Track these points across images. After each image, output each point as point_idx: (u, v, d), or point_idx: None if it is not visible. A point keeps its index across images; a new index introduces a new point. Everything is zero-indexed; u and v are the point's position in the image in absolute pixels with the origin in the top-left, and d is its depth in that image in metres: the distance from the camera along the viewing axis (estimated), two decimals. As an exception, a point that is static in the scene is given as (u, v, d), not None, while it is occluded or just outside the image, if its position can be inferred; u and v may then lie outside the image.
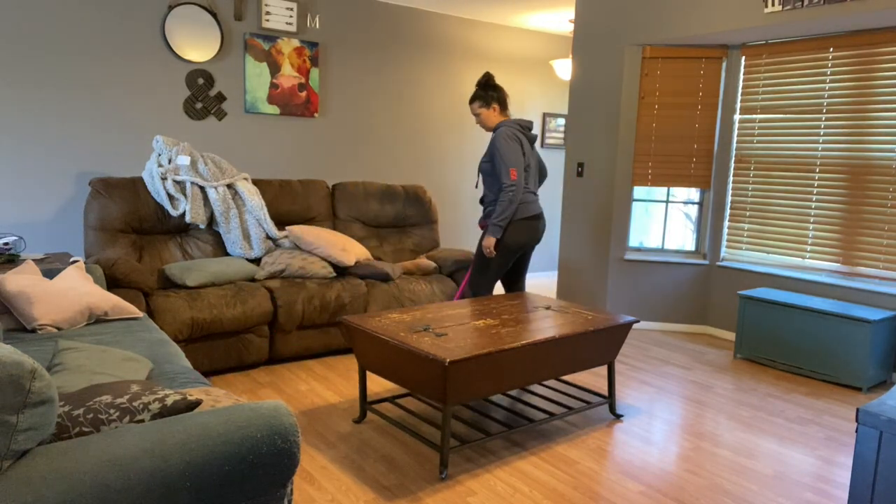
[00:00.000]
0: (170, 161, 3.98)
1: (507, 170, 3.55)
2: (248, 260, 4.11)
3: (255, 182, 4.38)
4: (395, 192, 4.88)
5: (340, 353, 4.15)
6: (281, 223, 4.46)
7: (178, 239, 4.07)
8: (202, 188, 4.04)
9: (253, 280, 3.94)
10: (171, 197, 3.95)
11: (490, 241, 3.61)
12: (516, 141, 3.62)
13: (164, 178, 3.92)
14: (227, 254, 4.14)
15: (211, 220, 4.12)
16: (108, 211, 3.81)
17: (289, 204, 4.46)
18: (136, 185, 3.93)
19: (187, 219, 3.93)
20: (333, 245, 4.16)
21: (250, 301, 3.65)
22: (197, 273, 3.68)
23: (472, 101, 3.78)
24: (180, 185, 3.98)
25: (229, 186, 4.15)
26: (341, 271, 4.22)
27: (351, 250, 4.23)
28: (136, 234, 3.93)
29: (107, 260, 3.38)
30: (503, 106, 3.77)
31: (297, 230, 4.21)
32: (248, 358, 3.71)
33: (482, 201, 3.86)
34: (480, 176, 3.89)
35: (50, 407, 1.28)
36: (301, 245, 4.16)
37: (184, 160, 3.93)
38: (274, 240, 4.26)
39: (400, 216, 4.89)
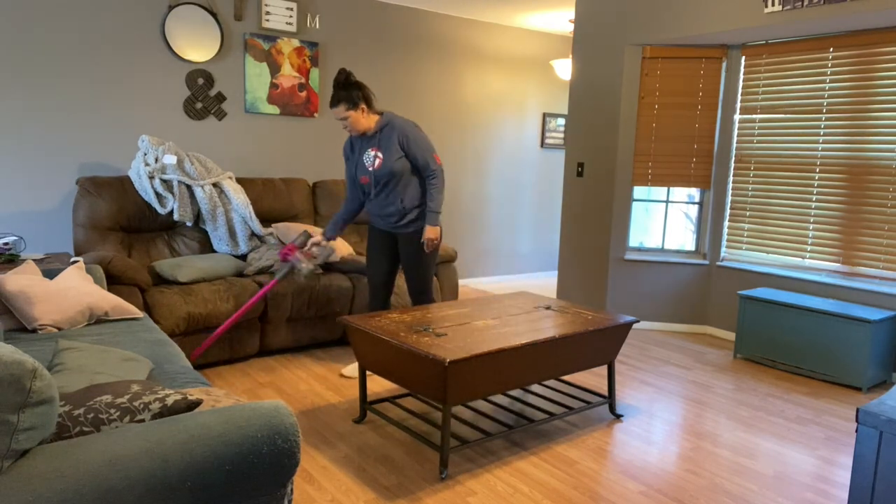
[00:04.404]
0: (156, 160, 4.02)
1: (431, 156, 3.40)
2: (234, 256, 4.17)
3: (239, 181, 4.45)
4: None
5: (327, 345, 4.27)
6: (265, 220, 4.54)
7: (165, 236, 4.13)
8: (189, 187, 4.08)
9: (242, 275, 4.01)
10: (158, 195, 3.99)
11: (435, 232, 3.42)
12: (418, 126, 3.45)
13: (151, 177, 3.95)
14: (213, 251, 4.21)
15: (198, 218, 4.17)
16: (97, 209, 3.85)
17: (272, 202, 4.54)
18: (124, 183, 3.98)
19: (175, 217, 3.97)
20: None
21: (243, 295, 3.73)
22: (187, 269, 3.73)
23: (334, 104, 3.31)
24: (167, 183, 4.02)
25: (215, 185, 4.20)
26: (327, 267, 4.32)
27: (335, 246, 4.32)
28: (124, 231, 3.99)
29: (103, 257, 3.40)
30: (370, 104, 3.38)
31: (282, 227, 4.34)
32: (241, 351, 3.81)
33: (389, 211, 3.48)
34: (383, 182, 3.44)
35: (50, 406, 1.28)
36: (287, 241, 4.26)
37: (171, 159, 3.97)
38: (259, 237, 4.32)
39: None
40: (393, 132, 3.38)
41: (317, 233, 4.14)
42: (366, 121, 3.38)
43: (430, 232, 3.42)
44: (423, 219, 3.48)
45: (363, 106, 3.34)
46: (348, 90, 3.30)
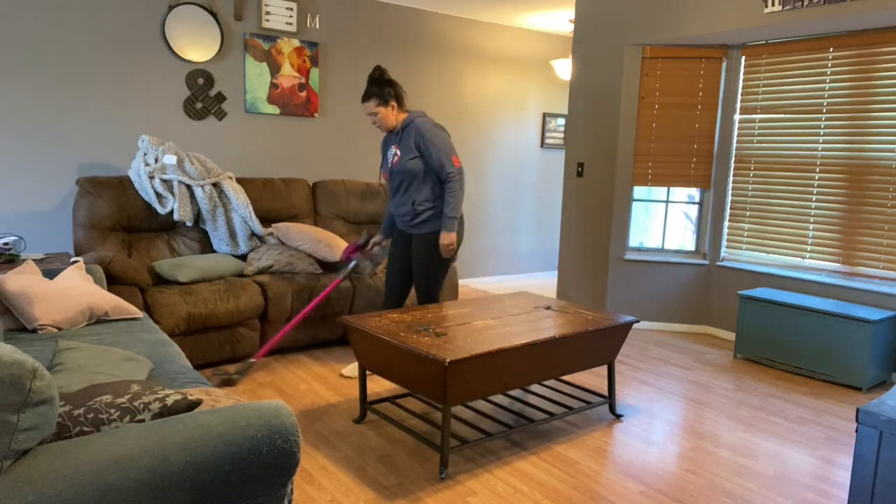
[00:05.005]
0: (156, 160, 4.02)
1: (448, 157, 3.34)
2: (234, 256, 4.17)
3: (239, 181, 4.44)
4: (374, 190, 5.00)
5: (327, 345, 4.27)
6: (265, 220, 4.54)
7: (165, 236, 4.13)
8: (189, 187, 4.08)
9: (242, 276, 4.01)
10: (158, 195, 3.99)
11: (451, 237, 3.37)
12: (443, 129, 3.42)
13: (151, 177, 3.95)
14: (213, 251, 4.21)
15: (198, 218, 4.17)
16: (97, 209, 3.85)
17: (272, 201, 4.53)
18: (124, 183, 3.97)
19: (175, 217, 3.97)
20: (318, 241, 4.26)
21: (243, 295, 3.73)
22: (188, 269, 3.73)
23: (365, 98, 3.39)
24: (167, 183, 4.02)
25: (215, 185, 4.19)
26: (326, 266, 4.32)
27: (335, 246, 4.33)
28: (124, 231, 3.99)
29: (103, 257, 3.41)
30: (401, 102, 3.43)
31: (283, 227, 4.33)
32: (241, 351, 3.80)
33: (403, 211, 3.51)
34: (399, 180, 3.48)
35: (50, 406, 1.28)
36: (287, 241, 4.27)
37: (171, 159, 3.97)
38: (259, 237, 4.32)
39: (379, 213, 5.01)
40: (412, 131, 3.41)
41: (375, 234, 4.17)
42: (394, 118, 3.44)
43: (444, 238, 3.38)
44: (435, 221, 3.46)
45: (393, 103, 3.40)
46: (380, 86, 3.37)
